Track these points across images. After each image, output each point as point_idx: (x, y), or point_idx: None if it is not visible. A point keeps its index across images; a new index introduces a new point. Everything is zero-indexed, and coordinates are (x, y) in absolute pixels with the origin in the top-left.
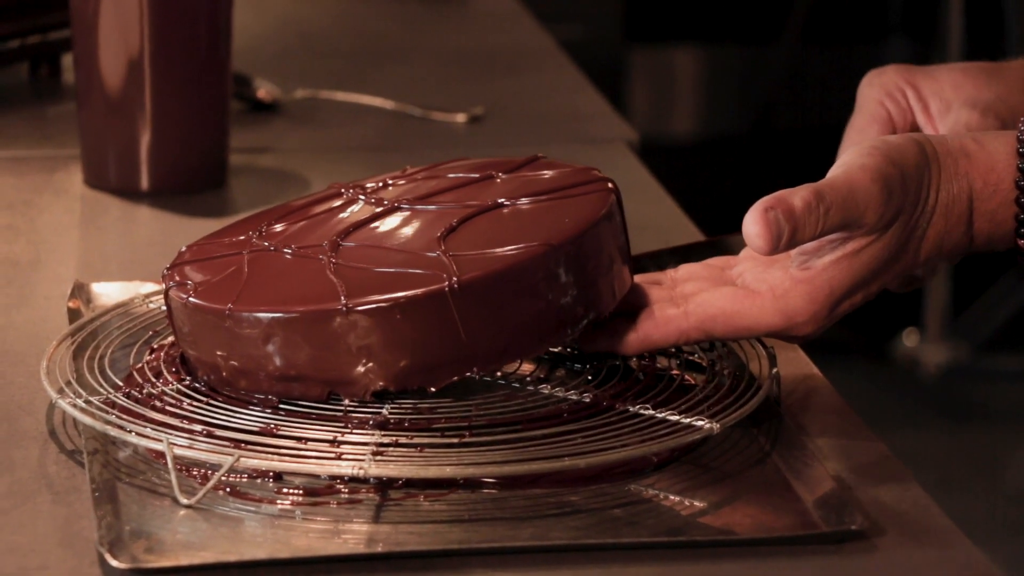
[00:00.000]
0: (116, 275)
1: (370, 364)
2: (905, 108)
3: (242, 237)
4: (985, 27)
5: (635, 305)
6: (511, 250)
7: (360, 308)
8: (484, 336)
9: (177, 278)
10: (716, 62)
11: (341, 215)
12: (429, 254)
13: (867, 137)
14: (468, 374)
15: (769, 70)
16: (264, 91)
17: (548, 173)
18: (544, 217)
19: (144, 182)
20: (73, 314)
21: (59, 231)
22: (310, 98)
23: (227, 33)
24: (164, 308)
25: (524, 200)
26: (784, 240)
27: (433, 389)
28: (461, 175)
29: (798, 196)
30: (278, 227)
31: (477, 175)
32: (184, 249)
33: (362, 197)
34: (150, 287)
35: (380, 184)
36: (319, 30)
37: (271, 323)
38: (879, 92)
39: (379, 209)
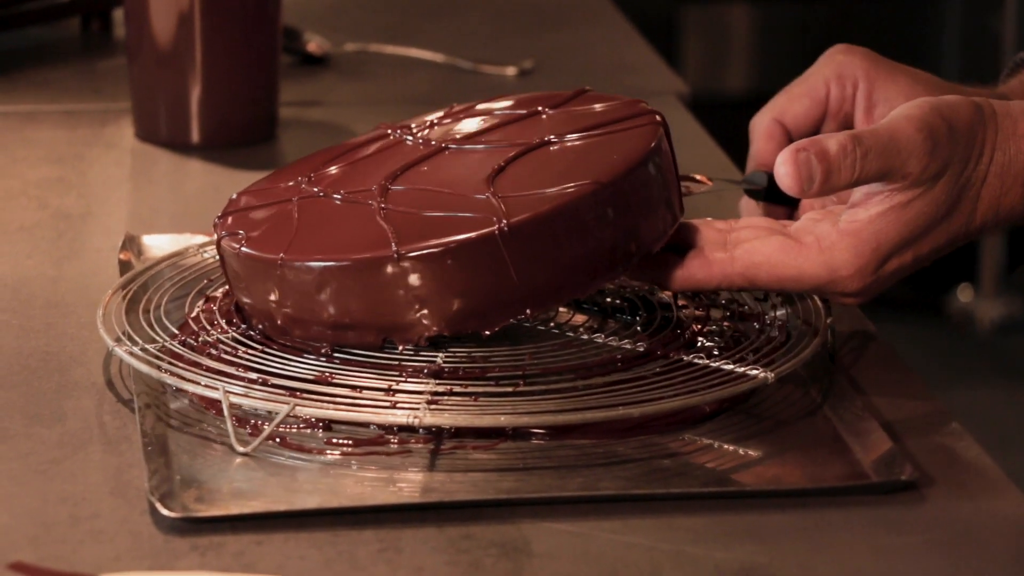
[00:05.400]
0: (166, 228)
1: (423, 310)
2: (848, 99)
3: (291, 183)
4: None
5: (687, 242)
6: (560, 190)
7: (411, 254)
8: (536, 277)
9: (228, 226)
10: (769, 19)
11: (389, 158)
12: (478, 196)
13: (796, 106)
14: (521, 316)
15: (822, 26)
16: (314, 44)
17: (595, 107)
18: (592, 154)
19: (194, 135)
20: (124, 266)
21: (110, 184)
22: (360, 51)
23: None
24: (217, 258)
25: (572, 136)
26: (817, 183)
27: (487, 333)
28: (508, 112)
29: (834, 139)
30: (326, 171)
31: (524, 111)
32: (235, 196)
33: (408, 138)
34: (200, 239)
35: (427, 124)
36: None
37: (323, 272)
38: (831, 71)
39: (426, 151)
